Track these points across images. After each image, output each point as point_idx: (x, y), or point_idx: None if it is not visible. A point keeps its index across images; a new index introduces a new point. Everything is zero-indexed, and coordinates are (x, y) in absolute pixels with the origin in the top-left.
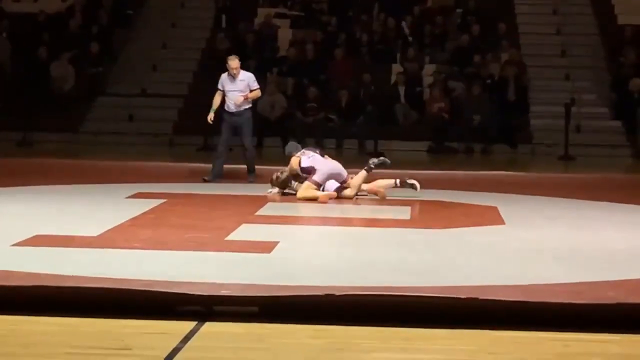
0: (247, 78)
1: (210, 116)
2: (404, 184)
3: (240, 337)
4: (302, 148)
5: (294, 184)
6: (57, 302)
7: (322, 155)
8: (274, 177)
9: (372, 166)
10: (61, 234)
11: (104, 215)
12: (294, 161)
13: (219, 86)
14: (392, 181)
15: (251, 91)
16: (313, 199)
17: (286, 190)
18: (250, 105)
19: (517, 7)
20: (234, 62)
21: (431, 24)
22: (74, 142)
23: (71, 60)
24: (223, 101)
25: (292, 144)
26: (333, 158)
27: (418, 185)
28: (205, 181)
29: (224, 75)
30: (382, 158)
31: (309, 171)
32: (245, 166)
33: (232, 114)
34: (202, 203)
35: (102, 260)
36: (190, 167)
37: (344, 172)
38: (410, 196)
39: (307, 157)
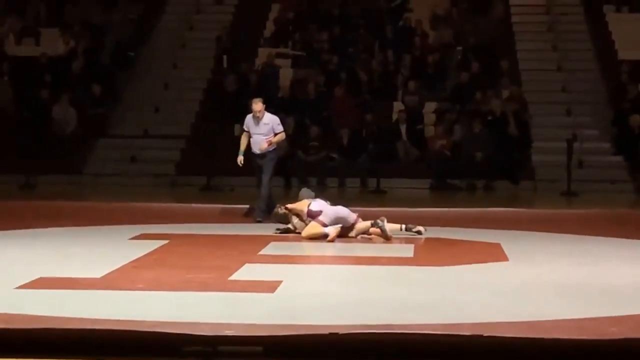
0: (271, 121)
1: (240, 159)
2: (409, 230)
3: None
4: (316, 197)
5: (295, 220)
6: (62, 345)
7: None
8: (276, 211)
9: (378, 225)
10: (65, 276)
11: (107, 257)
12: (302, 204)
13: (245, 127)
14: (397, 226)
15: (275, 134)
16: (318, 237)
17: (289, 226)
18: (274, 147)
19: (517, 43)
20: (257, 105)
21: (431, 61)
22: (76, 183)
23: (72, 101)
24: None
25: (307, 191)
26: (336, 199)
27: (424, 230)
28: (259, 222)
29: (249, 117)
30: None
31: (315, 215)
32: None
33: (257, 155)
34: (205, 243)
35: (106, 302)
36: (193, 208)
37: (351, 216)
38: (413, 234)
39: (316, 203)
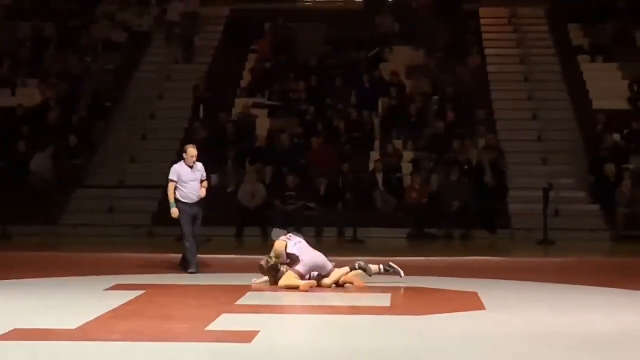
0: (202, 168)
1: (175, 211)
2: (388, 270)
3: None
4: (289, 235)
5: (283, 268)
6: None
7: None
8: (263, 263)
9: (357, 267)
10: (40, 327)
11: (83, 308)
12: (279, 245)
13: (173, 177)
14: (375, 266)
15: (202, 182)
16: (294, 288)
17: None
18: None
19: (493, 93)
20: (194, 150)
21: (408, 110)
22: (53, 234)
23: (54, 154)
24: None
25: (277, 231)
26: (313, 246)
27: (402, 272)
28: (192, 273)
29: (180, 165)
30: (369, 266)
31: (294, 259)
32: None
33: (192, 204)
34: (181, 294)
35: (81, 353)
36: (170, 258)
37: (328, 264)
38: (390, 282)
39: (294, 244)
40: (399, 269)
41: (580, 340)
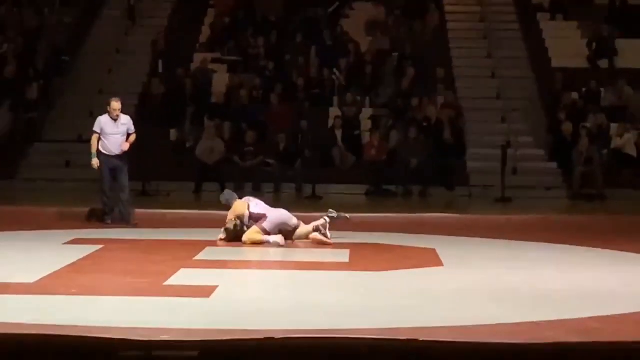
0: (128, 121)
1: (95, 162)
2: (333, 218)
3: None
4: (237, 196)
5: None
6: None
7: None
8: (230, 226)
9: (322, 229)
10: None
11: (41, 261)
12: (241, 205)
13: (96, 129)
14: (321, 220)
15: (129, 135)
16: (258, 244)
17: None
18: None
19: (452, 50)
20: (118, 103)
21: (368, 67)
22: (10, 188)
23: (10, 107)
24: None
25: (228, 192)
26: (270, 204)
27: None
28: (107, 224)
29: (104, 117)
30: (340, 214)
31: (258, 218)
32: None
33: (114, 157)
34: (140, 248)
35: (39, 307)
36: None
37: (292, 220)
38: (349, 240)
39: (255, 204)
40: (343, 214)
41: (530, 296)
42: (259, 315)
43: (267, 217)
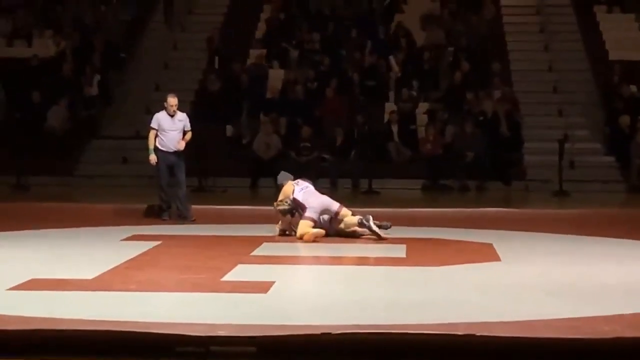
0: (184, 118)
1: (153, 158)
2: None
3: None
4: (292, 177)
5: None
6: (54, 346)
7: (315, 188)
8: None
9: (366, 223)
10: (57, 277)
11: (100, 258)
12: (288, 187)
13: (154, 125)
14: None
15: (185, 133)
16: (317, 236)
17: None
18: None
19: (509, 44)
20: (174, 99)
21: (423, 61)
22: (68, 185)
23: (69, 105)
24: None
25: (284, 174)
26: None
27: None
28: (164, 220)
29: (162, 114)
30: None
31: (298, 205)
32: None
33: (170, 153)
34: (197, 244)
35: (98, 302)
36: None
37: (334, 205)
38: (406, 235)
39: (300, 189)
40: (381, 226)
41: (588, 291)
42: (315, 311)
43: (307, 206)
